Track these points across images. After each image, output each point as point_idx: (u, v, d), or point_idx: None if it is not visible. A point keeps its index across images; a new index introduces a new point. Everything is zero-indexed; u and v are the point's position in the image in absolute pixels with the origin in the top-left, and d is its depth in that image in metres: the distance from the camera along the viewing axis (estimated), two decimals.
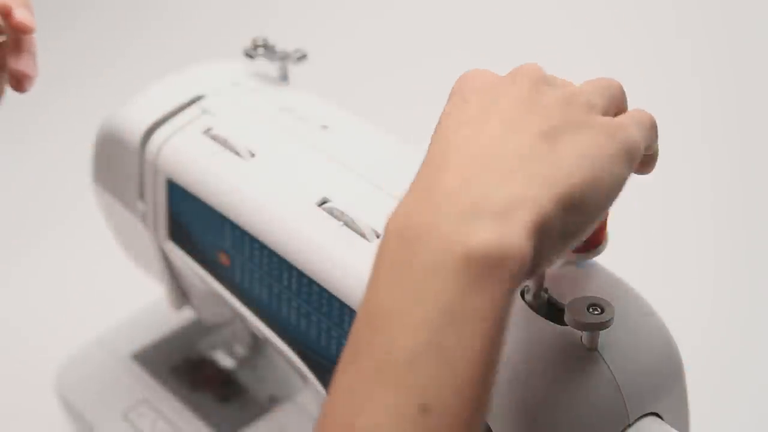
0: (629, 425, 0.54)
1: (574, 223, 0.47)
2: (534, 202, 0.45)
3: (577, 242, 0.48)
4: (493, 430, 0.53)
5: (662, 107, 1.14)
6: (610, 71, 1.22)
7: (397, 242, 0.45)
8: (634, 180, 1.03)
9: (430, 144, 0.49)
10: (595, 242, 0.57)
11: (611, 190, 0.48)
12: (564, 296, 0.55)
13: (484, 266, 0.44)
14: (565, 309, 0.52)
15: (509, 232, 0.44)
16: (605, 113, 0.50)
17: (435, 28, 1.22)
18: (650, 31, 1.24)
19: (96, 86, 1.15)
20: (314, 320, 0.61)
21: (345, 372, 0.45)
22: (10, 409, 0.91)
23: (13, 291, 1.02)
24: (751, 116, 1.14)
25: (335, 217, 0.60)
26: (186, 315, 0.86)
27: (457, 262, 0.44)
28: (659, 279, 0.89)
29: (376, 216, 0.60)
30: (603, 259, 0.58)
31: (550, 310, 0.55)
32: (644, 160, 0.51)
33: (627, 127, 0.49)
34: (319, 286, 0.59)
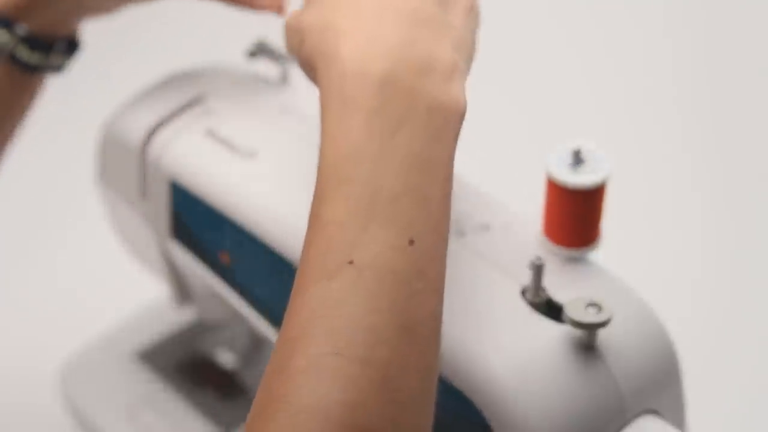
0: (628, 423, 0.54)
1: (468, 68, 0.53)
2: (461, 65, 0.51)
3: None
4: (493, 428, 0.53)
5: (659, 106, 1.15)
6: (602, 70, 1.21)
7: (360, 87, 0.49)
8: (634, 180, 1.03)
9: None
10: (590, 238, 0.57)
11: (475, 41, 0.55)
12: (563, 295, 0.55)
13: (444, 118, 0.49)
14: (564, 308, 0.52)
15: (456, 90, 0.50)
16: None
17: None
18: (642, 29, 1.24)
19: (99, 86, 1.15)
20: None
21: (327, 204, 0.48)
22: (13, 408, 0.92)
23: (15, 290, 1.02)
24: (748, 114, 1.14)
25: None
26: (188, 314, 0.87)
27: (423, 114, 0.49)
28: (657, 277, 0.90)
29: None
30: (602, 259, 0.58)
31: (549, 308, 0.55)
32: None
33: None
34: None
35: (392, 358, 0.46)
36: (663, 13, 1.25)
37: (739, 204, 1.05)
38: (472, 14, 0.55)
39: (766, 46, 1.20)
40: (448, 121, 0.50)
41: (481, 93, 1.14)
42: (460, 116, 0.50)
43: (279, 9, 0.68)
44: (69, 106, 1.14)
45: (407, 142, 0.48)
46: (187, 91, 0.71)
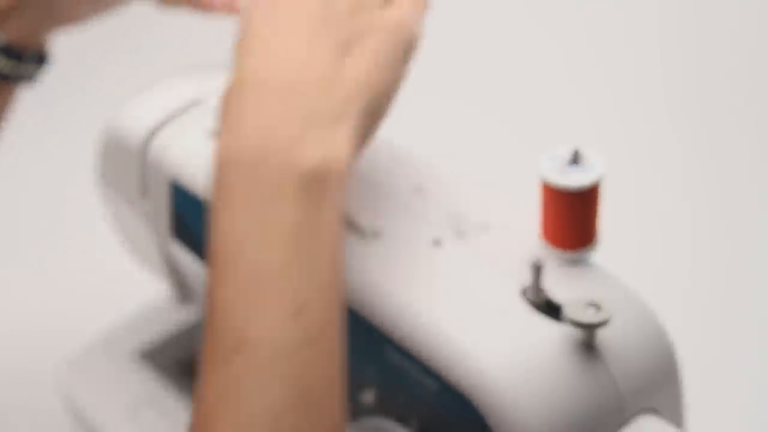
0: (627, 422, 0.55)
1: (373, 125, 0.54)
2: (346, 119, 0.52)
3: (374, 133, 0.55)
4: (492, 428, 0.53)
5: (651, 105, 1.15)
6: (592, 72, 1.21)
7: (232, 173, 0.51)
8: (632, 180, 1.03)
9: (242, 51, 0.54)
10: (587, 239, 0.57)
11: (397, 90, 0.55)
12: (563, 295, 0.55)
13: (320, 184, 0.51)
14: (563, 308, 0.52)
15: (334, 149, 0.51)
16: None
17: (434, 28, 1.23)
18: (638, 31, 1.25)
19: (99, 86, 1.15)
20: None
21: (217, 286, 0.50)
22: (13, 408, 0.92)
23: (15, 289, 1.03)
24: (741, 111, 1.14)
25: None
26: (189, 314, 0.87)
27: (297, 186, 0.50)
28: (656, 277, 0.90)
29: (375, 215, 0.60)
30: (601, 259, 0.58)
31: (548, 308, 0.55)
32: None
33: (410, 22, 0.55)
34: None
35: (297, 427, 0.48)
36: (655, 15, 1.25)
37: (738, 202, 1.05)
38: (386, 54, 0.54)
39: (757, 48, 1.20)
40: (325, 186, 0.51)
41: (472, 97, 1.14)
42: (339, 175, 0.51)
43: (230, 8, 0.70)
44: (70, 107, 1.15)
45: (283, 215, 0.50)
46: (188, 91, 0.72)
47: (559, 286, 0.56)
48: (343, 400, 0.50)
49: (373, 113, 0.54)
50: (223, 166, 0.52)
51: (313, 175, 0.50)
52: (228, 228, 0.51)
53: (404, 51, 0.55)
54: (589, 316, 0.52)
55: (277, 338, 0.48)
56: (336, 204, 0.51)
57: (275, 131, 0.51)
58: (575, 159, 0.56)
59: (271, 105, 0.52)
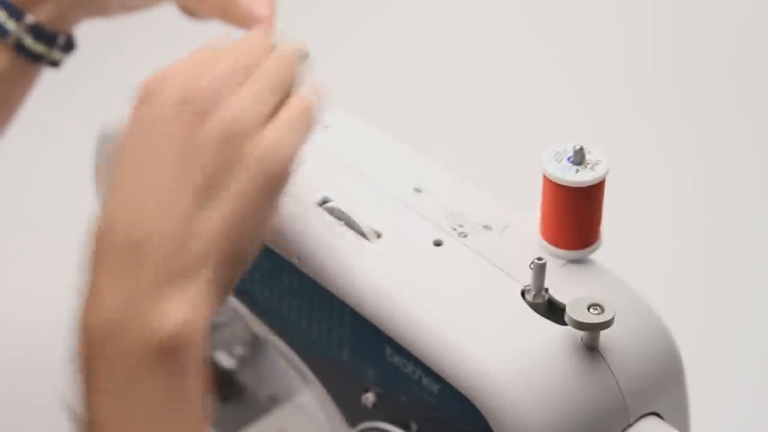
0: (630, 425, 0.54)
1: (234, 274, 0.52)
2: (202, 274, 0.50)
3: (244, 270, 0.53)
4: (494, 430, 0.53)
5: (659, 106, 1.15)
6: (592, 69, 1.21)
7: (99, 348, 0.50)
8: (635, 181, 1.03)
9: (106, 192, 0.52)
10: (590, 239, 0.57)
11: (264, 227, 0.53)
12: (564, 296, 0.55)
13: (177, 351, 0.50)
14: (566, 309, 0.52)
15: (189, 311, 0.50)
16: (275, 108, 0.53)
17: (436, 28, 1.23)
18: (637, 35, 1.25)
19: (99, 86, 1.15)
20: (314, 320, 0.61)
21: None
22: (11, 408, 0.92)
23: (14, 289, 1.02)
24: (741, 108, 1.14)
25: (336, 216, 0.60)
26: None
27: (156, 355, 0.49)
28: (659, 279, 0.89)
29: (376, 216, 0.60)
30: (603, 259, 0.58)
31: (551, 309, 0.55)
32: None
33: (281, 151, 0.52)
34: (319, 285, 0.59)
35: None
36: (655, 11, 1.25)
37: (740, 203, 1.05)
38: (251, 196, 0.51)
39: (755, 42, 1.20)
40: (184, 352, 0.50)
41: (473, 96, 1.14)
42: (200, 331, 0.51)
43: (267, 28, 0.69)
44: (69, 106, 1.14)
45: (145, 390, 0.49)
46: None
47: (561, 286, 0.55)
48: None
49: (233, 263, 0.52)
50: (85, 339, 0.50)
51: (170, 345, 0.49)
52: (94, 406, 0.50)
53: (273, 188, 0.52)
54: (591, 317, 0.52)
55: None
56: (196, 366, 0.51)
57: (130, 298, 0.49)
58: (579, 155, 0.55)
59: (124, 265, 0.50)
